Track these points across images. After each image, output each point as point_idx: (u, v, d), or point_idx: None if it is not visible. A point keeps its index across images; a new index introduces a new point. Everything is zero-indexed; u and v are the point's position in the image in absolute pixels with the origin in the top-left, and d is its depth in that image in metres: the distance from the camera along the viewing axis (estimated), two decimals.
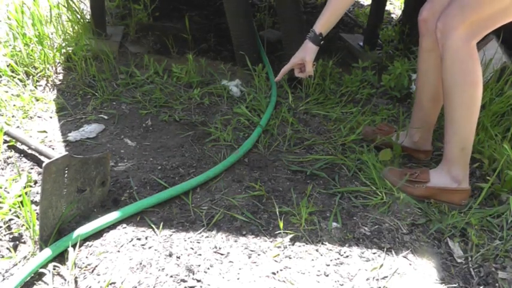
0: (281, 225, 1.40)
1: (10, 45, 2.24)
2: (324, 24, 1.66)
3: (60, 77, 2.20)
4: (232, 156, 1.69)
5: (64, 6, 2.49)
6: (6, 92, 2.00)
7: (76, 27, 2.47)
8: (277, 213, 1.46)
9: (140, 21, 2.99)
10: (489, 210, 1.57)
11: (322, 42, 1.69)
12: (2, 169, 1.56)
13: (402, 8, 3.32)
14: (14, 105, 1.92)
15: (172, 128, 1.90)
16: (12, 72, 2.13)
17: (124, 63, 2.36)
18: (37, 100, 1.99)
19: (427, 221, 1.52)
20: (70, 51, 2.33)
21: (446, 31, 1.45)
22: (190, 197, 1.50)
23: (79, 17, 2.50)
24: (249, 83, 2.30)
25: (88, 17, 2.60)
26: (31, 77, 2.14)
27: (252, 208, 1.49)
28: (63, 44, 2.37)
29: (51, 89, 2.10)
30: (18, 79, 2.10)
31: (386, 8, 3.26)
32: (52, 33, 2.43)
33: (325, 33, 1.68)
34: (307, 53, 1.70)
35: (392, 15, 3.84)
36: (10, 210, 1.35)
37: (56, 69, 2.24)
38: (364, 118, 2.06)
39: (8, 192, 1.40)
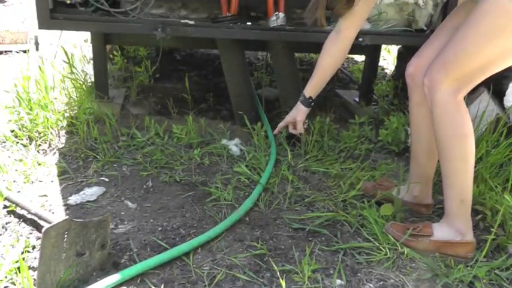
0: (283, 284, 1.37)
1: (15, 111, 2.29)
2: (312, 89, 1.91)
3: (63, 140, 2.24)
4: (233, 215, 1.68)
5: (68, 73, 2.58)
6: (9, 157, 2.03)
7: (79, 92, 2.54)
8: (279, 271, 1.44)
9: (141, 83, 3.08)
10: (496, 263, 1.55)
11: (312, 104, 1.94)
12: (0, 235, 1.55)
13: (395, 63, 3.42)
14: (16, 170, 1.94)
15: (172, 189, 1.90)
16: (16, 137, 2.17)
17: (125, 125, 2.40)
18: (39, 164, 2.01)
19: (433, 276, 1.49)
20: (73, 115, 2.38)
21: (433, 86, 1.49)
22: (192, 257, 1.48)
23: (82, 81, 2.58)
24: (248, 142, 2.34)
25: (91, 80, 2.67)
26: (34, 141, 2.17)
27: (254, 267, 1.46)
28: (66, 108, 2.43)
29: (53, 153, 2.13)
30: (21, 144, 2.14)
31: (380, 63, 3.35)
32: (56, 98, 2.49)
33: (314, 96, 1.93)
34: (298, 114, 1.95)
35: (386, 71, 3.95)
36: (6, 277, 1.33)
37: (58, 133, 2.28)
38: (363, 174, 2.06)
39: (5, 259, 1.38)
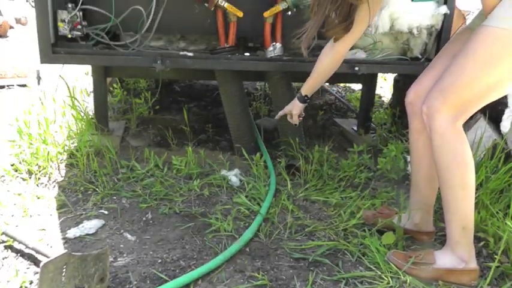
0: None
1: (16, 145, 2.30)
2: (308, 88, 2.03)
3: (63, 173, 2.24)
4: (233, 246, 1.67)
5: (69, 105, 2.61)
6: (8, 191, 2.03)
7: (80, 124, 2.56)
8: None
9: (141, 114, 3.10)
10: None
11: (308, 101, 2.08)
12: None
13: (392, 91, 3.45)
14: (15, 204, 1.94)
15: (172, 221, 1.90)
16: (16, 171, 2.18)
17: (125, 157, 2.41)
18: (38, 198, 2.01)
19: None
20: (73, 147, 2.39)
21: (431, 114, 1.50)
22: None
23: (83, 114, 2.60)
24: (247, 172, 2.34)
25: (91, 113, 2.70)
26: (33, 175, 2.17)
27: None
28: (67, 141, 2.44)
29: (53, 186, 2.13)
30: (21, 178, 2.14)
31: (377, 91, 3.38)
32: (56, 132, 2.51)
33: (309, 95, 2.07)
34: (294, 108, 2.11)
35: (383, 99, 3.98)
36: None
37: (58, 166, 2.28)
38: (363, 202, 2.06)
39: None
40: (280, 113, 2.21)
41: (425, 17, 2.42)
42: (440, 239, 1.83)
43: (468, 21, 2.89)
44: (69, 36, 2.20)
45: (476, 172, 1.91)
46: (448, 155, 1.50)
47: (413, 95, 1.70)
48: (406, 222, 1.81)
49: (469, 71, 1.44)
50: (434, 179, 1.69)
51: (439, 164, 1.54)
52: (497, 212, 1.86)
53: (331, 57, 1.89)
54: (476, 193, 1.55)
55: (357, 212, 1.96)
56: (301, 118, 2.16)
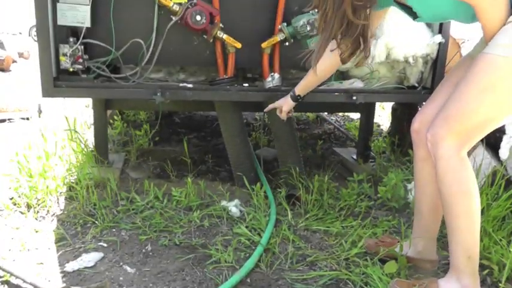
0: None
1: (15, 179, 2.30)
2: (302, 88, 2.09)
3: (62, 206, 2.23)
4: (234, 277, 1.64)
5: (69, 139, 2.62)
6: (6, 225, 2.02)
7: (80, 157, 2.56)
8: None
9: (141, 146, 3.11)
10: None
11: (300, 100, 2.12)
12: None
13: (390, 120, 3.47)
14: (12, 238, 1.92)
15: (172, 252, 1.87)
16: (14, 205, 2.17)
17: (125, 189, 2.40)
18: (36, 232, 1.99)
19: None
20: (73, 180, 2.39)
21: (436, 142, 1.50)
22: None
23: (83, 146, 2.61)
24: (248, 203, 2.32)
25: (91, 145, 2.71)
26: (32, 208, 2.16)
27: None
28: (66, 174, 2.44)
29: (52, 220, 2.12)
30: (19, 211, 2.12)
31: (375, 120, 3.41)
32: (56, 165, 2.51)
33: (302, 95, 2.11)
34: (285, 104, 2.15)
35: (382, 127, 4.00)
36: None
37: (57, 199, 2.27)
38: (365, 231, 2.04)
39: None
40: (270, 106, 2.25)
41: (420, 46, 2.46)
42: (443, 267, 1.80)
43: (463, 49, 2.94)
44: (71, 69, 2.23)
45: None
46: (453, 183, 1.49)
47: (418, 123, 1.70)
48: (409, 250, 1.79)
49: (471, 98, 1.45)
50: (438, 208, 1.67)
51: (443, 192, 1.52)
52: (500, 240, 1.84)
53: (329, 62, 1.88)
54: None
55: (358, 241, 1.94)
56: (290, 114, 2.22)
